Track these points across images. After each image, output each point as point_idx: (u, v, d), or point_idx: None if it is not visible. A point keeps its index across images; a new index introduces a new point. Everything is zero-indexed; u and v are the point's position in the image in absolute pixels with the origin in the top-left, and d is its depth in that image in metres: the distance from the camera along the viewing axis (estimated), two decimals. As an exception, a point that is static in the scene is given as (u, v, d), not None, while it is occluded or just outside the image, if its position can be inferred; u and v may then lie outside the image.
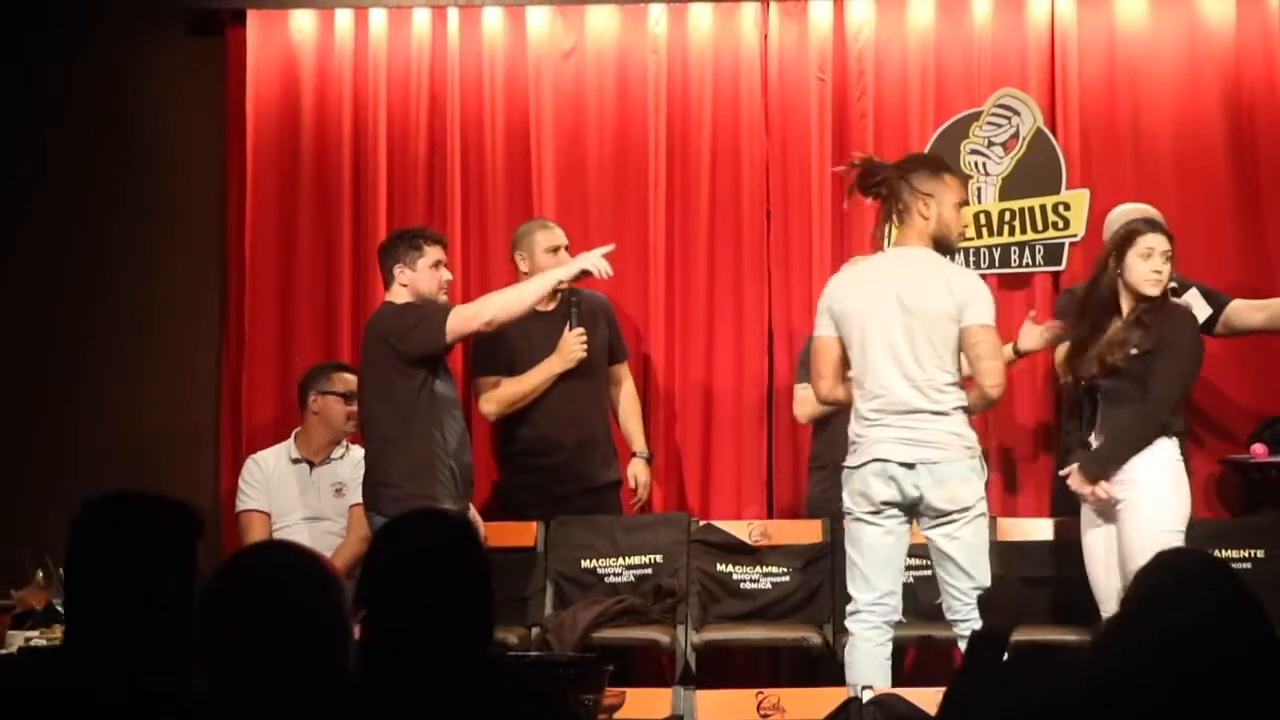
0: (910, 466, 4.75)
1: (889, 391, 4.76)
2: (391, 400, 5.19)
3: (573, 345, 5.82)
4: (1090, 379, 5.12)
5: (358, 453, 5.80)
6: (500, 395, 5.85)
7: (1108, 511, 5.11)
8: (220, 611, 2.47)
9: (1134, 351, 5.03)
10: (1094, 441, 5.14)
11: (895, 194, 4.85)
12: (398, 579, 2.70)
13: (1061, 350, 5.39)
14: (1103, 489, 5.05)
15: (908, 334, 4.75)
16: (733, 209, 6.35)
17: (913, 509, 4.78)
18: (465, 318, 5.23)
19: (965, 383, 4.87)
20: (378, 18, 6.44)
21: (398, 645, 2.64)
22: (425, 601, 2.67)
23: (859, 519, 4.84)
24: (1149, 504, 5.00)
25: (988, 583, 4.75)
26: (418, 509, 3.61)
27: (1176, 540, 4.95)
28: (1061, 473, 5.20)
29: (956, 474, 4.76)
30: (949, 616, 4.83)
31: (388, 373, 5.20)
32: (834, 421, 5.43)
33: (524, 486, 5.93)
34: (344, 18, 6.45)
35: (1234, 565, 5.68)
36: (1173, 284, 5.19)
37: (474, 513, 5.03)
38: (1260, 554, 5.69)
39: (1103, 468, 5.05)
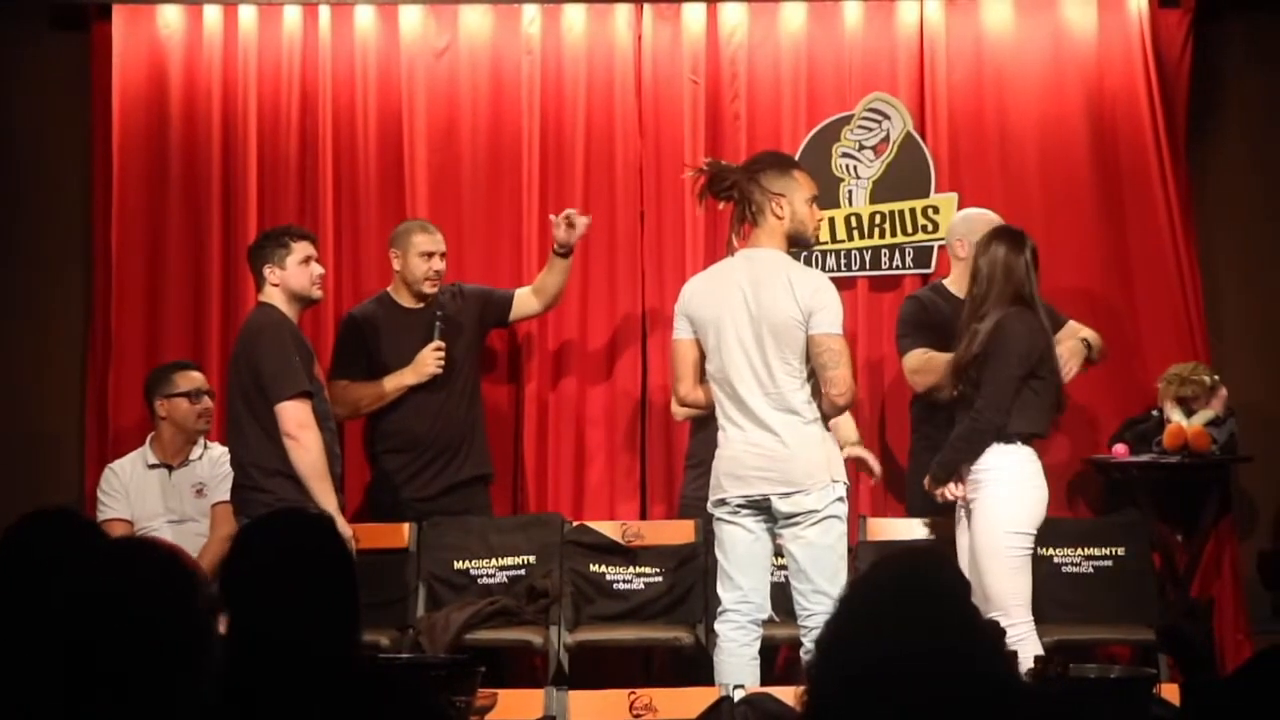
0: (759, 469, 4.78)
1: (742, 395, 4.79)
2: (258, 411, 5.13)
3: (427, 361, 5.81)
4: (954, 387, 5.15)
5: (216, 450, 5.76)
6: (346, 399, 5.77)
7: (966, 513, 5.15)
8: (79, 608, 2.41)
9: (975, 353, 5.07)
10: None
11: (747, 196, 4.83)
12: (259, 578, 2.67)
13: (928, 361, 5.47)
14: (950, 490, 5.10)
15: (757, 339, 4.76)
16: (607, 209, 6.35)
17: (767, 510, 4.80)
18: (292, 418, 5.03)
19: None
20: (247, 14, 6.37)
21: (261, 646, 2.61)
22: (288, 601, 2.64)
23: (719, 519, 4.88)
24: (992, 505, 5.01)
25: (834, 590, 4.65)
26: (279, 509, 3.59)
27: (1023, 542, 5.01)
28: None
29: None
30: (799, 620, 4.84)
31: (252, 389, 5.14)
32: (711, 420, 5.44)
33: (389, 484, 5.89)
34: (213, 13, 6.37)
35: (1096, 563, 5.81)
36: None
37: (343, 522, 4.99)
38: (1121, 551, 5.82)
39: (945, 471, 5.09)
